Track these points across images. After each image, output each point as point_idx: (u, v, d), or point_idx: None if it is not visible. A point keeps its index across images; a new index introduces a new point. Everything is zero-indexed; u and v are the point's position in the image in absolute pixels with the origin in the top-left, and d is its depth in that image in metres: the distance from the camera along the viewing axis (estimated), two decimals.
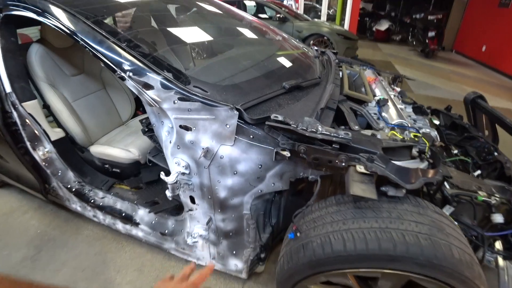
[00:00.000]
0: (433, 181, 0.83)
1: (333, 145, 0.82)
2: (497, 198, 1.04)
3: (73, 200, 1.57)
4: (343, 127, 1.07)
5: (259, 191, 0.97)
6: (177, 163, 0.97)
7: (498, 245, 1.07)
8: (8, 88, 1.27)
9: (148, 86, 0.91)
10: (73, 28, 1.01)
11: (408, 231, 0.75)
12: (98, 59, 0.97)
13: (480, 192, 0.98)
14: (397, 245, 0.73)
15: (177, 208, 1.31)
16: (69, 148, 1.58)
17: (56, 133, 1.49)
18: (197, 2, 1.70)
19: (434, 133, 1.16)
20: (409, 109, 1.46)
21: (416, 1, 8.62)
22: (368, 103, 1.30)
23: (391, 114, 1.25)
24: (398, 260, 0.73)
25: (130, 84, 0.93)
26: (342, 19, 8.46)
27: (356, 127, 1.02)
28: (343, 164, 0.81)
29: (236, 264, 1.21)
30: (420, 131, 1.14)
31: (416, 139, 1.07)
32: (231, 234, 1.12)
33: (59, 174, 1.52)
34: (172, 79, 0.92)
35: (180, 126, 0.92)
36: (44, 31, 1.50)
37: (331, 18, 9.37)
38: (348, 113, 1.12)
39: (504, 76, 5.64)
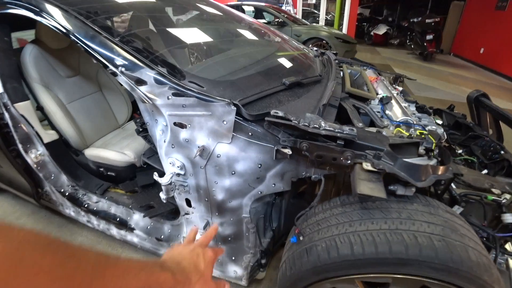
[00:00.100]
0: (443, 178, 0.78)
1: (338, 142, 0.77)
2: (507, 197, 0.99)
3: (66, 205, 1.52)
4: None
5: (259, 192, 0.91)
6: (171, 164, 0.92)
7: (509, 246, 1.02)
8: (0, 88, 1.23)
9: (140, 82, 0.86)
10: (64, 23, 0.97)
11: (420, 232, 0.70)
12: (89, 54, 0.93)
13: (493, 190, 0.92)
14: (409, 248, 0.67)
15: (173, 212, 1.25)
16: (63, 151, 1.53)
17: (49, 135, 1.45)
18: (197, 4, 1.67)
19: (440, 130, 1.12)
20: (413, 108, 1.42)
21: (413, 6, 8.71)
22: (371, 101, 1.25)
23: (395, 111, 1.21)
24: (411, 264, 0.68)
25: (122, 79, 0.88)
26: (340, 24, 8.53)
27: (360, 124, 0.98)
28: (349, 161, 0.76)
29: (235, 270, 1.15)
30: (426, 129, 1.09)
31: (422, 136, 1.03)
32: (229, 239, 1.06)
33: (52, 177, 1.47)
34: (166, 73, 0.87)
35: (175, 124, 0.87)
36: (39, 31, 1.47)
37: (329, 23, 9.46)
38: (351, 111, 1.07)
39: (503, 77, 5.64)
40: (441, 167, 0.79)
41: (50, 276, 0.24)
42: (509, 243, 1.03)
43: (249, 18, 1.97)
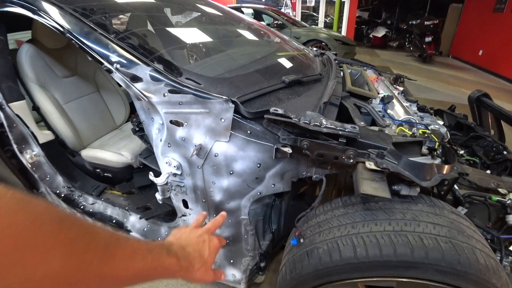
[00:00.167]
0: (449, 177, 0.75)
1: (340, 140, 0.74)
2: None
3: (62, 206, 1.49)
4: None
5: (258, 193, 0.88)
6: (167, 163, 0.89)
7: None
8: None
9: (136, 79, 0.84)
10: (59, 19, 0.95)
11: (426, 233, 0.67)
12: (84, 51, 0.91)
13: (500, 190, 0.90)
14: (414, 250, 0.64)
15: (170, 214, 1.22)
16: (59, 152, 1.51)
17: (44, 136, 1.43)
18: (196, 4, 1.66)
19: (443, 129, 1.09)
20: (414, 108, 1.40)
21: (411, 9, 8.75)
22: (372, 100, 1.23)
23: (397, 111, 1.19)
24: (416, 266, 0.65)
25: (117, 76, 0.86)
26: (339, 27, 8.57)
27: (362, 123, 0.95)
28: (351, 160, 0.74)
29: (233, 274, 1.12)
30: (429, 128, 1.07)
31: (425, 135, 1.00)
32: (228, 241, 1.03)
33: (48, 178, 1.44)
34: (162, 70, 0.85)
35: (171, 122, 0.84)
36: (35, 30, 1.45)
37: (328, 26, 9.50)
38: (352, 109, 1.05)
39: (502, 79, 5.65)
40: (447, 166, 0.76)
41: (64, 251, 0.24)
42: None
43: (248, 18, 1.96)
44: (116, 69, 0.86)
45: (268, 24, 5.94)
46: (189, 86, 0.82)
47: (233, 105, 0.78)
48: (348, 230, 0.74)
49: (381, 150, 0.74)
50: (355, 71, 1.63)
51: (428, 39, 6.54)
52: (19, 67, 1.39)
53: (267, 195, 0.92)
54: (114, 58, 0.87)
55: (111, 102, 1.83)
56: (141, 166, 1.38)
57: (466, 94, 1.76)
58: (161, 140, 0.89)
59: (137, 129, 1.11)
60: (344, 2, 8.42)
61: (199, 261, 0.47)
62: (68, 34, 0.93)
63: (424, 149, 0.94)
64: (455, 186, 0.97)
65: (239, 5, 6.78)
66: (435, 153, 0.98)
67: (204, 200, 0.94)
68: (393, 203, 0.76)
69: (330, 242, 0.74)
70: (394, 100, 1.28)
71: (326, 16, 10.34)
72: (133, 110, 1.96)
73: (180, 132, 0.84)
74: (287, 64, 1.30)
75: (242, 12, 6.21)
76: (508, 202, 0.99)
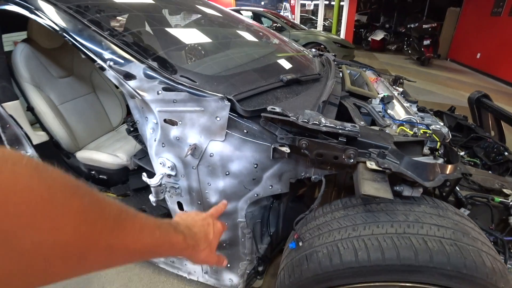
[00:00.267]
0: (452, 178, 0.73)
1: (339, 139, 0.72)
2: None
3: None
4: None
5: (255, 195, 0.85)
6: (162, 164, 0.86)
7: None
8: None
9: (129, 76, 0.81)
10: (53, 16, 0.93)
11: (430, 236, 0.64)
12: (77, 48, 0.88)
13: (505, 190, 0.87)
14: (418, 253, 0.62)
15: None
16: (53, 153, 1.48)
17: (38, 137, 1.40)
18: (194, 5, 1.64)
19: (445, 129, 1.07)
20: (414, 108, 1.38)
21: (409, 12, 8.82)
22: (372, 100, 1.21)
23: (397, 111, 1.17)
24: (421, 271, 0.62)
25: (110, 74, 0.83)
26: (338, 30, 8.62)
27: (362, 123, 0.93)
28: (352, 160, 0.71)
29: (231, 278, 1.08)
30: (430, 128, 1.05)
31: (427, 135, 0.98)
32: (224, 245, 1.00)
33: None
34: (156, 67, 0.82)
35: (165, 121, 0.81)
36: (30, 30, 1.43)
37: (327, 29, 9.56)
38: (352, 109, 1.03)
39: (499, 81, 5.67)
40: (450, 166, 0.74)
41: (76, 220, 0.24)
42: None
43: (247, 19, 1.95)
44: (109, 66, 0.83)
45: (267, 27, 5.96)
46: (184, 83, 0.80)
47: (229, 103, 0.76)
48: (349, 232, 0.71)
49: (382, 150, 0.72)
50: (354, 72, 1.61)
51: (426, 42, 6.56)
52: (13, 67, 1.36)
53: (264, 197, 0.89)
54: (107, 55, 0.85)
55: (107, 103, 1.81)
56: (136, 168, 1.35)
57: (465, 96, 1.75)
58: (155, 140, 0.86)
59: (131, 129, 1.09)
60: (343, 5, 8.48)
61: (204, 242, 0.47)
62: (61, 31, 0.91)
63: (426, 149, 0.91)
64: (456, 188, 0.95)
65: (238, 8, 6.80)
66: (437, 153, 0.95)
67: (199, 202, 0.91)
68: (395, 205, 0.73)
69: (330, 246, 0.71)
70: (394, 101, 1.26)
71: (325, 19, 10.42)
72: (130, 111, 1.94)
73: (174, 132, 0.81)
74: (285, 63, 1.28)
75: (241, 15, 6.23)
76: (511, 203, 0.96)
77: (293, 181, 0.85)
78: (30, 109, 1.44)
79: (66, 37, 0.91)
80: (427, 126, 1.06)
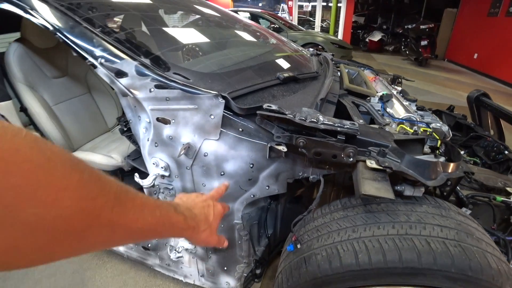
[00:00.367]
0: (455, 176, 0.71)
1: (338, 137, 0.69)
2: None
3: None
4: None
5: (252, 196, 0.83)
6: (155, 164, 0.83)
7: None
8: None
9: (121, 74, 0.79)
10: (44, 12, 0.90)
11: (433, 237, 0.62)
12: (67, 45, 0.86)
13: (508, 189, 0.85)
14: (421, 255, 0.59)
15: None
16: None
17: None
18: (191, 4, 1.62)
19: (445, 128, 1.05)
20: (414, 107, 1.36)
21: (407, 14, 8.85)
22: (371, 99, 1.19)
23: (397, 109, 1.15)
24: (424, 273, 0.59)
25: (101, 72, 0.81)
26: (336, 31, 8.63)
27: (361, 121, 0.91)
28: (351, 159, 0.68)
29: (228, 282, 1.06)
30: (430, 126, 1.03)
31: (427, 133, 0.96)
32: (220, 247, 0.97)
33: None
34: (148, 64, 0.79)
35: (158, 119, 0.79)
36: (24, 29, 1.41)
37: (324, 30, 9.59)
38: (350, 107, 1.00)
39: (497, 81, 5.68)
40: (452, 164, 0.71)
41: (76, 194, 0.24)
42: None
43: (245, 19, 1.92)
44: (101, 64, 0.81)
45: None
46: (177, 81, 0.77)
47: (224, 101, 0.73)
48: (349, 234, 0.68)
49: (382, 148, 0.69)
50: (352, 71, 1.59)
51: (424, 42, 6.58)
52: (6, 66, 1.34)
53: (261, 198, 0.86)
54: (98, 52, 0.82)
55: (103, 104, 1.79)
56: (131, 169, 1.32)
57: (463, 96, 1.74)
58: (148, 140, 0.84)
59: (125, 129, 1.06)
60: (340, 7, 8.50)
61: (204, 223, 0.48)
62: (52, 28, 0.88)
63: (426, 148, 0.89)
64: (457, 187, 0.93)
65: (236, 9, 6.80)
66: (438, 151, 0.93)
67: None
68: (396, 205, 0.71)
69: (329, 248, 0.68)
70: (394, 99, 1.24)
71: (322, 20, 10.45)
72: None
73: (167, 130, 0.79)
74: (282, 62, 1.26)
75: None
76: None
77: (291, 181, 0.82)
78: (23, 109, 1.42)
79: (57, 34, 0.88)
80: (427, 124, 1.04)
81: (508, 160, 1.28)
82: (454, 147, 0.84)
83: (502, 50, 5.63)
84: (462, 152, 1.46)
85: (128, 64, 0.79)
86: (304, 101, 0.94)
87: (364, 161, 0.70)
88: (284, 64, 1.23)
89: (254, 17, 6.26)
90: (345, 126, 0.69)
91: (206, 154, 0.77)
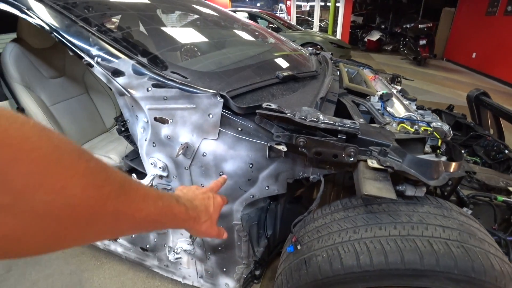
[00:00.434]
0: (456, 176, 0.70)
1: (339, 136, 0.68)
2: None
3: None
4: None
5: (251, 196, 0.82)
6: (153, 164, 0.82)
7: None
8: None
9: (118, 73, 0.77)
10: (37, 12, 0.89)
11: (435, 238, 0.61)
12: (63, 44, 0.84)
13: (510, 189, 0.84)
14: (424, 256, 0.58)
15: None
16: None
17: None
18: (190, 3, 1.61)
19: (446, 127, 1.04)
20: (414, 106, 1.35)
21: (405, 13, 8.87)
22: (371, 98, 1.18)
23: (397, 108, 1.14)
24: (427, 275, 0.58)
25: (98, 71, 0.79)
26: (334, 31, 8.63)
27: (362, 120, 0.90)
28: (352, 158, 0.67)
29: (227, 283, 1.04)
30: (431, 125, 1.02)
31: (428, 133, 0.95)
32: (220, 248, 0.96)
33: None
34: (146, 63, 0.78)
35: (155, 119, 0.77)
36: (20, 29, 1.39)
37: (323, 30, 9.59)
38: (351, 106, 0.99)
39: (495, 80, 5.69)
40: (454, 164, 0.70)
41: (84, 181, 0.24)
42: None
43: (244, 19, 1.91)
44: (97, 63, 0.79)
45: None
46: (175, 79, 0.76)
47: (222, 100, 0.72)
48: (350, 235, 0.67)
49: (383, 147, 0.68)
50: (352, 70, 1.59)
51: (422, 42, 6.59)
52: (3, 67, 1.33)
53: (261, 198, 0.85)
54: (94, 51, 0.81)
55: (101, 104, 1.77)
56: (129, 170, 1.30)
57: (462, 96, 1.74)
58: (146, 140, 0.82)
59: (122, 129, 1.04)
60: (338, 7, 8.50)
61: (205, 214, 0.49)
62: (48, 28, 0.87)
63: (427, 147, 0.88)
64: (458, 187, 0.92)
65: (234, 9, 6.78)
66: (439, 151, 0.92)
67: None
68: (398, 205, 0.70)
69: (330, 249, 0.67)
70: (394, 98, 1.23)
71: (321, 20, 10.46)
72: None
73: (165, 130, 0.77)
74: (282, 61, 1.25)
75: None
76: None
77: (291, 181, 0.81)
78: (20, 110, 1.40)
79: (53, 33, 0.87)
80: (428, 123, 1.03)
81: (508, 159, 1.28)
82: (455, 146, 0.83)
83: (500, 49, 5.64)
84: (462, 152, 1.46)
85: (125, 63, 0.78)
86: (304, 100, 0.93)
87: (365, 161, 0.69)
88: (283, 63, 1.22)
89: (252, 17, 6.25)
90: (346, 125, 0.68)
91: (204, 154, 0.76)
